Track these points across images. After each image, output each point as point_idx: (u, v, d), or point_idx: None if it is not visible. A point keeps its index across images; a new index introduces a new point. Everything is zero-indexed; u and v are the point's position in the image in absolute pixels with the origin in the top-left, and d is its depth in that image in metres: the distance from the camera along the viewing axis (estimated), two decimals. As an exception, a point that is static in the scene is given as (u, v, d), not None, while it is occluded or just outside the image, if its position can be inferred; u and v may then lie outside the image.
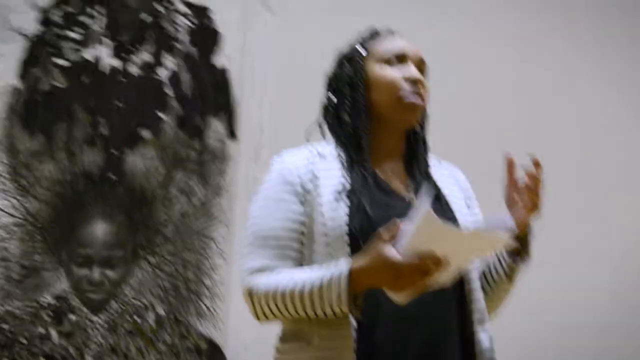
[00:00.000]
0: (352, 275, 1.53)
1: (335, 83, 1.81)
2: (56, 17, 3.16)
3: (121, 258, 3.01)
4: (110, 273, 3.00)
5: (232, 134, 3.09)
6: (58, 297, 2.98)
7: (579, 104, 3.27)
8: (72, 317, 2.97)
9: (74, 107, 3.10)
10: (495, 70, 3.20)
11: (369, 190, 1.67)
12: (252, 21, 3.16)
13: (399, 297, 1.52)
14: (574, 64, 3.27)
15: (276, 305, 1.61)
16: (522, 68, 3.24)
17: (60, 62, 3.12)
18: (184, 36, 3.16)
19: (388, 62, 1.76)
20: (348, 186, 1.67)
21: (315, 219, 1.65)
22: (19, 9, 3.16)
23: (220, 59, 3.13)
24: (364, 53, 1.79)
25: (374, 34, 1.84)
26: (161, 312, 2.98)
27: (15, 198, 3.02)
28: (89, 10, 3.17)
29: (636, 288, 3.18)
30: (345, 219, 1.63)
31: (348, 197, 1.66)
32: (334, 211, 1.64)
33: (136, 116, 3.11)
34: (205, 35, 3.15)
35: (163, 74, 3.14)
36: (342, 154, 1.74)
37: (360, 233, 1.60)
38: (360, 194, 1.66)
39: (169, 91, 3.13)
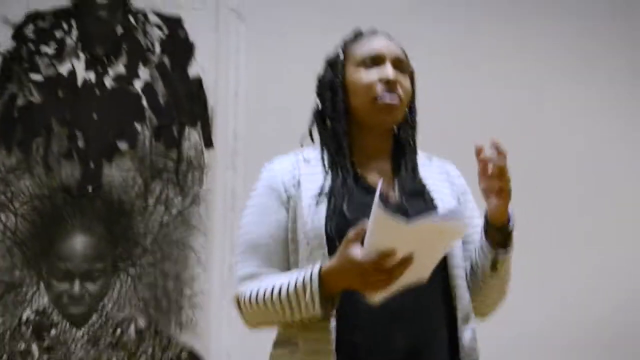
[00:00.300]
0: (322, 277, 1.55)
1: (319, 88, 1.83)
2: (29, 32, 3.16)
3: (101, 271, 3.01)
4: (90, 286, 3.00)
5: (208, 143, 3.10)
6: (39, 312, 2.98)
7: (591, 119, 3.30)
8: (53, 331, 2.97)
9: (51, 121, 3.10)
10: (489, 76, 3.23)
11: (349, 191, 1.69)
12: (225, 31, 3.17)
13: (372, 297, 1.53)
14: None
15: (260, 310, 1.64)
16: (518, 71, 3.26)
17: (35, 77, 3.12)
18: (157, 47, 3.16)
19: (364, 64, 1.77)
20: (327, 189, 1.69)
21: (298, 224, 1.68)
22: (-9, 25, 3.17)
23: (194, 69, 3.14)
24: (341, 57, 1.81)
25: (357, 36, 1.85)
26: (142, 323, 2.98)
27: (-8, 214, 3.03)
28: (62, 24, 3.17)
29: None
30: (323, 221, 1.65)
31: (327, 199, 1.68)
32: (313, 215, 1.67)
33: (112, 128, 3.11)
34: (179, 45, 3.16)
35: (138, 85, 3.14)
36: (325, 158, 1.76)
37: (337, 235, 1.61)
38: (339, 196, 1.67)
39: (144, 102, 3.13)
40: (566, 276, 3.10)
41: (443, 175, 1.82)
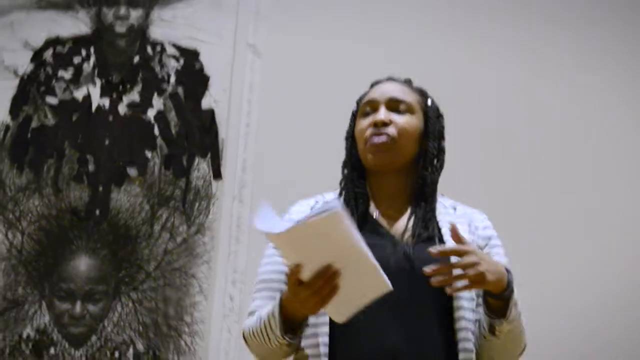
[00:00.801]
0: (283, 303, 1.61)
1: (345, 140, 1.92)
2: (48, 56, 3.22)
3: (103, 293, 3.03)
4: (91, 307, 3.02)
5: (217, 174, 3.14)
6: (39, 330, 2.99)
7: (585, 109, 3.30)
8: (52, 350, 2.98)
9: (63, 144, 3.15)
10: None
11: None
12: (240, 65, 3.21)
13: (334, 317, 1.56)
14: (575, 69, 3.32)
15: (255, 342, 1.71)
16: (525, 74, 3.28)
17: (51, 100, 3.17)
18: (172, 78, 3.22)
19: (365, 114, 1.85)
20: None
21: None
22: (12, 48, 3.23)
23: (207, 101, 3.19)
24: (355, 109, 1.91)
25: (372, 85, 1.94)
26: (140, 347, 2.99)
27: (0, 231, 3.05)
28: (80, 50, 3.23)
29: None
30: None
31: None
32: None
33: (123, 154, 3.15)
34: (194, 77, 3.21)
35: (151, 114, 3.19)
36: (341, 200, 1.81)
37: None
38: None
39: (156, 131, 3.18)
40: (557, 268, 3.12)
41: (464, 226, 1.81)
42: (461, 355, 1.67)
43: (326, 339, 1.66)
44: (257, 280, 1.80)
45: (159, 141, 3.17)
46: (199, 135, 3.16)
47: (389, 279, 1.52)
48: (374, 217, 1.80)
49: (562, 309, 3.14)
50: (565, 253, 3.17)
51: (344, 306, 1.53)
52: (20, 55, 3.22)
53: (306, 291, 1.50)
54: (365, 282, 1.51)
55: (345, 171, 1.87)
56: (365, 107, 1.86)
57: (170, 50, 3.24)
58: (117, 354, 2.98)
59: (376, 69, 3.29)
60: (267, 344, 1.67)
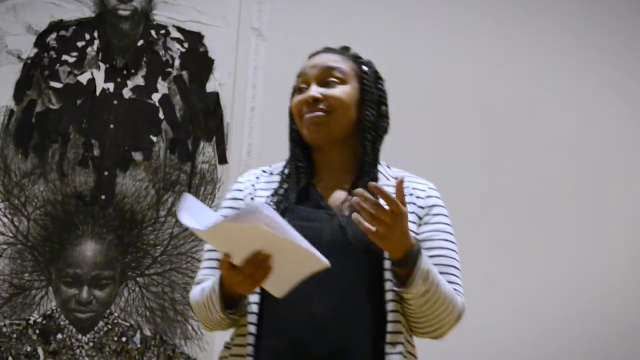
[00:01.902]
0: (222, 281, 1.65)
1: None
2: (52, 40, 3.20)
3: (110, 278, 3.04)
4: (98, 293, 3.03)
5: (222, 159, 3.13)
6: (46, 316, 3.00)
7: (578, 109, 3.32)
8: (59, 335, 2.99)
9: (68, 128, 3.14)
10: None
11: (292, 202, 1.74)
12: (245, 48, 3.21)
13: (272, 292, 1.58)
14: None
15: (198, 313, 1.76)
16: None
17: (55, 84, 3.16)
18: (176, 61, 3.21)
19: (299, 91, 1.84)
20: (274, 199, 1.76)
21: None
22: (16, 32, 3.21)
23: (211, 84, 3.18)
24: (294, 86, 1.89)
25: (308, 58, 1.91)
26: (147, 332, 3.00)
27: (6, 217, 3.05)
28: (84, 34, 3.22)
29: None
30: None
31: (274, 209, 1.71)
32: None
33: (128, 139, 3.15)
34: (198, 60, 3.20)
35: (155, 97, 3.18)
36: (285, 171, 1.84)
37: None
38: (282, 208, 1.74)
39: (161, 115, 3.17)
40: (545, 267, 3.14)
41: (405, 196, 1.78)
42: (389, 327, 1.67)
43: (255, 308, 1.69)
44: (204, 250, 1.84)
45: (164, 125, 3.16)
46: (204, 119, 3.16)
47: (323, 250, 1.52)
48: (317, 189, 1.80)
49: (561, 309, 3.17)
50: (565, 253, 3.20)
51: (280, 283, 1.56)
52: (23, 40, 3.20)
53: (239, 275, 1.54)
54: (299, 262, 1.53)
55: (290, 145, 1.86)
56: (300, 82, 1.85)
57: (175, 33, 3.22)
58: (124, 339, 2.99)
59: (381, 51, 3.30)
60: (210, 315, 1.72)
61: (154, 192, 3.10)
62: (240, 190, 1.84)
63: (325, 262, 1.52)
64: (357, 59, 1.89)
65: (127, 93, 3.18)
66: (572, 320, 3.16)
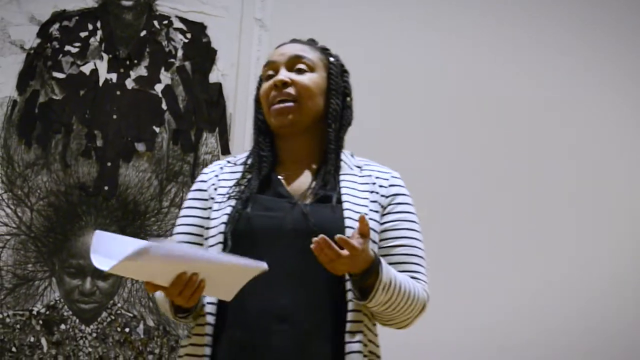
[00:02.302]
0: None
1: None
2: (55, 31, 3.20)
3: (113, 269, 3.04)
4: (101, 284, 3.03)
5: (225, 149, 3.13)
6: (49, 307, 3.01)
7: (575, 108, 3.32)
8: (63, 326, 3.00)
9: (71, 119, 3.14)
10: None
11: (253, 193, 1.75)
12: (247, 39, 3.20)
13: (220, 298, 1.60)
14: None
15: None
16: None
17: (58, 75, 3.16)
18: (179, 52, 3.20)
19: (266, 79, 1.86)
20: (236, 189, 1.77)
21: (208, 224, 1.76)
22: (18, 22, 3.20)
23: (215, 75, 3.18)
24: (260, 75, 1.91)
25: (275, 49, 1.93)
26: (151, 323, 3.01)
27: (9, 207, 3.05)
28: (87, 24, 3.21)
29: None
30: (224, 220, 1.72)
31: (235, 198, 1.75)
32: (218, 214, 1.75)
33: (131, 129, 3.14)
34: (201, 51, 3.19)
35: (158, 88, 3.18)
36: (248, 161, 1.85)
37: (233, 235, 1.69)
38: (244, 198, 1.74)
39: (164, 106, 3.17)
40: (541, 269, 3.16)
41: (367, 185, 1.82)
42: (349, 316, 1.68)
43: (214, 299, 1.69)
44: (172, 238, 1.85)
45: (167, 116, 3.16)
46: (206, 110, 3.15)
47: (286, 239, 1.58)
48: (279, 178, 1.81)
49: (561, 309, 3.18)
50: (565, 253, 3.21)
51: (223, 291, 1.56)
52: (26, 30, 3.19)
53: (172, 292, 1.55)
54: (233, 274, 1.54)
55: (254, 135, 1.88)
56: (267, 70, 1.86)
57: (177, 24, 3.22)
58: (127, 330, 3.00)
59: (384, 42, 3.31)
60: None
61: (157, 183, 3.11)
62: (204, 181, 1.85)
63: (262, 266, 1.52)
64: (324, 50, 1.92)
65: (130, 84, 3.17)
66: (572, 320, 3.17)
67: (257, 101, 1.88)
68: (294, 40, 1.93)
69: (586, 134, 3.30)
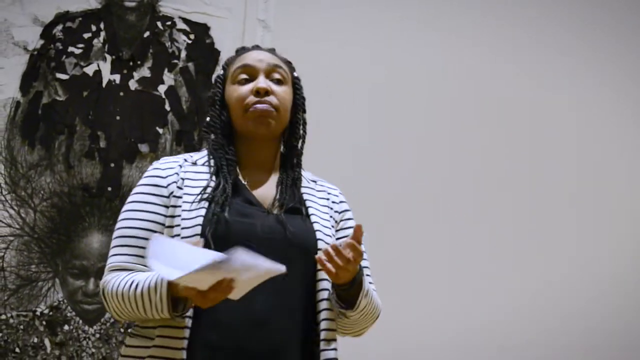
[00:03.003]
0: (170, 283, 1.59)
1: (208, 104, 1.93)
2: (58, 32, 3.20)
3: (116, 270, 3.04)
4: (104, 284, 3.03)
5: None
6: (53, 307, 3.01)
7: (576, 108, 3.32)
8: (66, 327, 3.00)
9: (74, 120, 3.14)
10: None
11: (228, 198, 1.74)
12: (250, 40, 3.20)
13: (230, 297, 1.58)
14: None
15: (120, 304, 1.68)
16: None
17: (61, 76, 3.16)
18: (183, 53, 3.20)
19: (240, 82, 1.85)
20: (209, 191, 1.75)
21: (175, 222, 1.73)
22: (22, 24, 3.21)
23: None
24: (222, 74, 1.91)
25: (238, 52, 1.94)
26: (154, 324, 3.01)
27: (12, 209, 3.05)
28: (90, 26, 3.21)
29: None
30: (200, 222, 1.70)
31: (208, 202, 1.73)
32: (191, 213, 1.72)
33: (134, 130, 3.15)
34: (204, 52, 3.20)
35: (162, 89, 3.18)
36: (211, 163, 1.82)
37: (213, 238, 1.67)
38: (219, 201, 1.73)
39: (167, 106, 3.17)
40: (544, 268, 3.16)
41: (324, 200, 1.89)
42: (323, 324, 1.73)
43: (188, 321, 1.67)
44: (119, 233, 1.77)
45: (170, 117, 3.16)
46: (209, 111, 3.15)
47: (260, 246, 1.57)
48: (244, 184, 1.82)
49: (561, 309, 3.18)
50: (565, 253, 3.21)
51: (238, 291, 1.56)
52: (30, 31, 3.19)
53: (202, 299, 1.54)
54: (257, 276, 1.55)
55: (213, 136, 1.86)
56: (240, 73, 1.86)
57: (181, 25, 3.22)
58: (130, 331, 3.00)
59: (386, 42, 3.31)
60: (139, 312, 1.66)
61: (160, 183, 3.10)
62: (160, 177, 1.80)
63: (281, 269, 1.54)
64: (289, 64, 1.94)
65: (133, 85, 3.18)
66: (572, 320, 3.17)
67: (220, 103, 1.87)
68: (257, 47, 1.95)
69: (587, 134, 3.30)
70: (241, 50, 1.94)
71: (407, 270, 3.08)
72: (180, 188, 1.77)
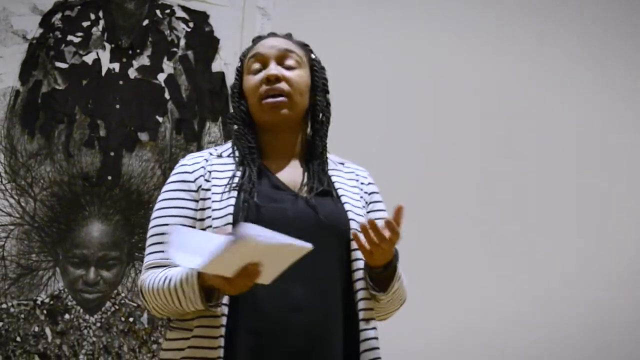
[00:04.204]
0: (201, 272, 1.60)
1: (230, 95, 1.95)
2: (57, 21, 3.19)
3: (117, 259, 3.04)
4: (105, 273, 3.04)
5: (228, 138, 3.13)
6: (53, 296, 3.01)
7: (577, 108, 3.32)
8: (67, 316, 3.00)
9: (74, 109, 3.14)
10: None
11: (256, 184, 1.75)
12: (250, 28, 3.20)
13: (261, 281, 1.57)
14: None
15: (158, 299, 1.70)
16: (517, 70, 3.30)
17: (61, 65, 3.16)
18: (182, 41, 3.20)
19: (253, 72, 1.84)
20: (237, 180, 1.76)
21: (205, 214, 1.74)
22: (20, 12, 3.20)
23: (217, 64, 3.17)
24: (239, 66, 1.90)
25: (254, 41, 1.93)
26: (155, 312, 3.01)
27: (13, 198, 3.05)
28: (89, 14, 3.20)
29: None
30: (231, 210, 1.71)
31: (237, 190, 1.74)
32: (221, 203, 1.73)
33: (134, 119, 3.14)
34: (204, 40, 3.19)
35: (161, 78, 3.17)
36: (236, 154, 1.83)
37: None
38: (248, 188, 1.74)
39: (167, 95, 3.16)
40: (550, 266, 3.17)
41: (352, 181, 1.89)
42: (361, 304, 1.73)
43: (225, 309, 1.68)
44: (153, 232, 1.79)
45: (170, 105, 3.16)
46: (209, 99, 3.15)
47: (292, 230, 1.55)
48: (270, 171, 1.82)
49: (561, 309, 3.19)
50: (565, 252, 3.22)
51: (267, 275, 1.56)
52: (28, 20, 3.19)
53: (229, 286, 1.54)
54: (283, 256, 1.55)
55: (236, 127, 1.87)
56: (253, 62, 1.85)
57: (180, 13, 3.21)
58: (131, 319, 3.01)
59: (388, 32, 3.30)
60: (176, 306, 1.67)
61: (160, 172, 3.11)
62: (188, 172, 1.81)
63: (307, 246, 1.53)
64: (305, 46, 1.92)
65: (132, 73, 3.17)
66: (572, 320, 3.18)
67: (238, 93, 1.88)
68: (273, 34, 1.94)
69: (587, 134, 3.30)
70: (257, 39, 1.93)
71: (407, 271, 3.09)
72: (207, 181, 1.78)
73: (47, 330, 2.99)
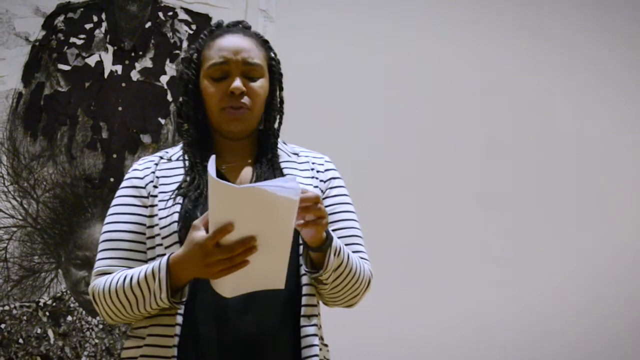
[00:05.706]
0: (170, 265, 1.60)
1: (179, 85, 1.91)
2: (60, 23, 3.19)
3: (119, 261, 3.04)
4: (107, 275, 3.04)
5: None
6: (56, 298, 3.01)
7: (577, 108, 3.33)
8: (69, 318, 3.00)
9: (76, 111, 3.14)
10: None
11: (204, 192, 1.73)
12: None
13: (223, 289, 1.55)
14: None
15: (112, 302, 1.68)
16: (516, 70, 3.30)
17: (63, 67, 3.16)
18: (184, 43, 3.20)
19: (214, 78, 1.80)
20: (184, 186, 1.75)
21: (154, 221, 1.73)
22: (23, 15, 3.20)
23: (220, 66, 3.18)
24: (195, 58, 1.85)
25: (212, 32, 1.89)
26: (157, 314, 3.01)
27: (15, 199, 3.06)
28: (92, 16, 3.21)
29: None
30: (176, 217, 1.70)
31: (183, 196, 1.73)
32: (167, 211, 1.72)
33: (136, 121, 3.14)
34: (206, 42, 3.19)
35: (163, 79, 3.18)
36: (186, 157, 1.82)
37: (186, 234, 1.64)
38: (192, 197, 1.73)
39: (169, 97, 3.17)
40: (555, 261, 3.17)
41: (307, 171, 1.86)
42: (304, 300, 1.72)
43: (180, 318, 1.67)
44: (104, 237, 1.77)
45: (172, 107, 3.16)
46: (212, 101, 3.15)
47: None
48: (222, 173, 1.80)
49: (562, 309, 3.18)
50: (566, 253, 3.22)
51: (238, 284, 1.54)
52: (31, 22, 3.19)
53: (222, 254, 1.51)
54: (268, 270, 1.53)
55: (186, 126, 1.83)
56: (216, 70, 1.80)
57: (182, 15, 3.21)
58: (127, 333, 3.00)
59: (389, 33, 3.30)
60: (132, 306, 1.66)
61: (163, 174, 3.10)
62: (139, 178, 1.80)
63: (282, 285, 1.54)
64: (265, 43, 1.88)
65: (135, 75, 3.17)
66: (572, 320, 3.18)
67: (194, 93, 1.82)
68: (233, 30, 1.88)
69: (587, 134, 3.30)
70: (216, 32, 1.88)
71: (407, 270, 3.09)
72: (155, 187, 1.77)
73: (50, 332, 2.99)
